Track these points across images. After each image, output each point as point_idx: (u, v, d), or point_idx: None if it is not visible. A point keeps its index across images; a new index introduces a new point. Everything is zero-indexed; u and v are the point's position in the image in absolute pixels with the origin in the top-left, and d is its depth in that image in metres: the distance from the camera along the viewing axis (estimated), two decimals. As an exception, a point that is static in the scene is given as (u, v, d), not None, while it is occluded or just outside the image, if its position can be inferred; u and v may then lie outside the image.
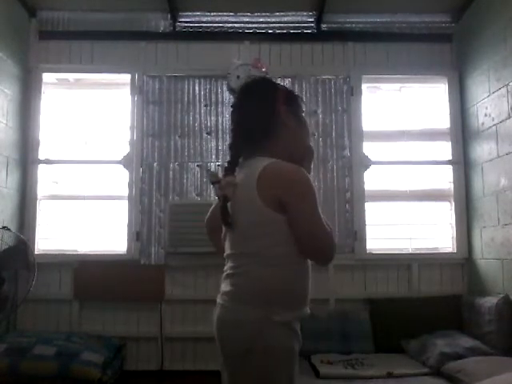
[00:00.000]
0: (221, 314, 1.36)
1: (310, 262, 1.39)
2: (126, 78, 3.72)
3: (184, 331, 3.46)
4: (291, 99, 1.48)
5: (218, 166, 3.61)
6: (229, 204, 1.36)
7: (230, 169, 1.40)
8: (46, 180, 3.65)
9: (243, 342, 1.28)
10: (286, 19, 3.79)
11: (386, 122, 3.81)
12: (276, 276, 1.32)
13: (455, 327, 3.20)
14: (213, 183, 1.45)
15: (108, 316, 3.47)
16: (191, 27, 3.77)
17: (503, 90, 3.12)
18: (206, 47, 3.74)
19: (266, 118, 1.42)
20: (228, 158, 1.43)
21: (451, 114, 3.73)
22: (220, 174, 1.45)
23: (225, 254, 1.45)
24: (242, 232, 1.36)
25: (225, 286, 1.39)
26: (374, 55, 3.78)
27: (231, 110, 1.52)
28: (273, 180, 1.31)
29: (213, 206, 1.64)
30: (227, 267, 1.42)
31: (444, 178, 3.72)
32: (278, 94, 1.44)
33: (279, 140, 1.42)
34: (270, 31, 3.78)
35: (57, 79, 3.82)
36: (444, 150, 3.74)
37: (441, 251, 3.67)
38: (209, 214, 1.66)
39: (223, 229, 1.46)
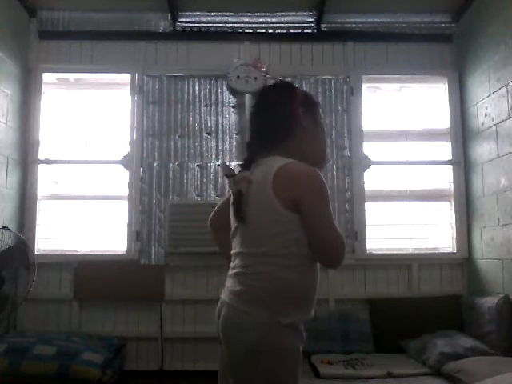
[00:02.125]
0: (228, 314, 1.34)
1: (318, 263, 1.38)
2: (126, 77, 3.72)
3: (184, 331, 3.46)
4: (309, 102, 1.49)
5: (218, 165, 3.61)
6: (243, 199, 1.36)
7: (245, 165, 1.41)
8: (46, 180, 3.65)
9: (250, 343, 1.27)
10: (286, 19, 3.79)
11: (385, 122, 3.80)
12: (287, 277, 1.31)
13: (455, 327, 3.20)
14: (227, 176, 1.45)
15: (108, 316, 3.47)
16: (191, 27, 3.77)
17: (503, 90, 3.12)
18: (206, 47, 3.74)
19: (285, 120, 1.43)
20: (245, 156, 1.44)
21: (451, 114, 3.73)
22: (235, 169, 1.45)
23: (233, 252, 1.43)
24: (254, 230, 1.35)
25: (232, 285, 1.36)
26: (373, 55, 3.78)
27: (250, 112, 1.53)
28: (288, 180, 1.31)
29: (217, 205, 1.63)
30: (236, 265, 1.39)
31: (444, 178, 3.72)
32: (295, 97, 1.46)
33: (296, 141, 1.43)
34: (270, 31, 3.78)
35: (57, 79, 3.82)
36: (444, 150, 3.74)
37: (441, 251, 3.67)
38: (213, 213, 1.65)
39: (232, 227, 1.45)
